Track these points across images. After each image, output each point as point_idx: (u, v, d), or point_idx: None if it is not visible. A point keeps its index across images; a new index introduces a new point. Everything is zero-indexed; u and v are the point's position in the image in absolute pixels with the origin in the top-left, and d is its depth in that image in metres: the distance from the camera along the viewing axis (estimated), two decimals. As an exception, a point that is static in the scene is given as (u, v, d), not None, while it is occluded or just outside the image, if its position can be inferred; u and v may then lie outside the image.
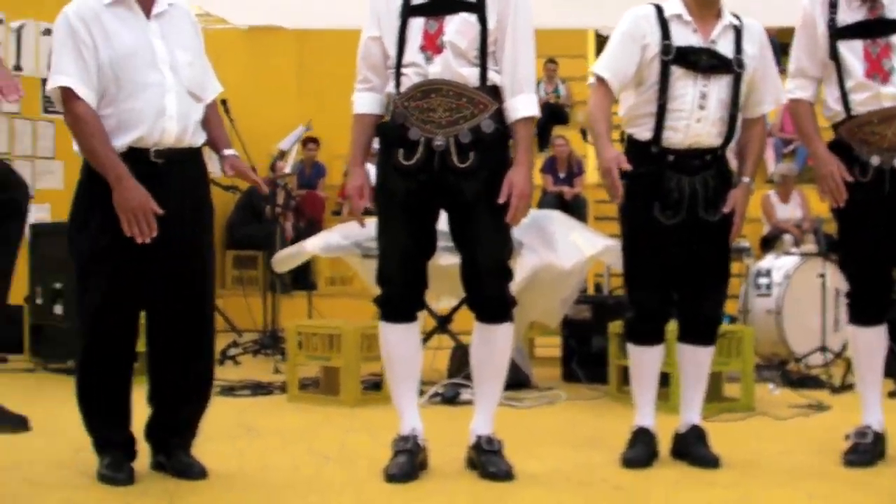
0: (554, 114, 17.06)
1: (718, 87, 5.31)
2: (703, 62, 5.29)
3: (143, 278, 4.88)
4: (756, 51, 5.39)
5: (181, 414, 5.08)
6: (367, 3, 5.11)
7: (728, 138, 5.37)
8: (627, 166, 5.21)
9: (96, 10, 4.84)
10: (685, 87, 5.28)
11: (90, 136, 4.76)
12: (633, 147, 5.40)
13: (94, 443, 5.01)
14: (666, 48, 5.28)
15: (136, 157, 4.80)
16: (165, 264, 4.88)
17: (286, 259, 8.80)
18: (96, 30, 4.80)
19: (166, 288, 4.94)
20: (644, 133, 5.35)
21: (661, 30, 5.30)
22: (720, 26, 5.34)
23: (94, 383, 4.96)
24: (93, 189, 4.80)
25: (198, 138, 5.00)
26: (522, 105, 4.98)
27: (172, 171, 4.87)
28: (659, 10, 5.37)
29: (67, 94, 4.77)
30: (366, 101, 5.15)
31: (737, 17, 5.41)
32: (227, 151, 5.12)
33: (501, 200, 4.89)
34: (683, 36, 5.31)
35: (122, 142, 4.79)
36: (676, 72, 5.28)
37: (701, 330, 5.50)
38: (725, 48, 5.33)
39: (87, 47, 4.78)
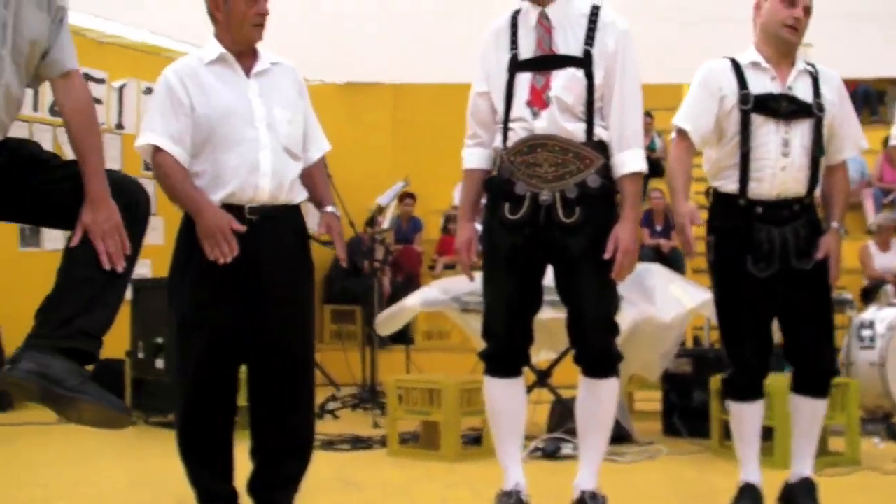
0: (650, 167, 16.95)
1: (801, 133, 5.28)
2: (783, 108, 5.27)
3: (242, 332, 4.90)
4: (834, 96, 5.37)
5: (283, 469, 5.08)
6: (477, 60, 5.12)
7: (812, 185, 5.32)
8: (700, 222, 5.20)
9: (196, 69, 4.92)
10: (767, 134, 5.25)
11: (170, 178, 4.83)
12: (721, 200, 5.39)
13: (197, 496, 5.02)
14: (744, 97, 5.26)
15: (231, 213, 4.82)
16: (264, 319, 4.89)
17: (388, 320, 8.77)
18: (194, 88, 4.87)
19: (265, 343, 4.94)
20: (730, 185, 5.33)
21: (738, 80, 5.29)
22: (795, 72, 5.33)
23: (195, 437, 4.98)
24: (191, 243, 4.84)
25: (295, 195, 5.00)
26: (630, 160, 4.96)
27: (268, 227, 4.88)
28: (734, 61, 5.36)
29: (154, 149, 4.85)
30: (475, 157, 5.16)
31: (811, 64, 5.39)
32: (328, 209, 5.12)
33: (607, 256, 4.85)
34: (761, 83, 5.29)
35: (215, 197, 4.83)
36: (757, 119, 5.26)
37: (817, 381, 5.43)
38: (803, 93, 5.31)
39: (182, 105, 4.85)
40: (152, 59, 12.28)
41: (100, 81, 11.97)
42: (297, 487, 5.10)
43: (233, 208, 4.83)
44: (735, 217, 5.30)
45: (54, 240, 11.11)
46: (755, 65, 5.33)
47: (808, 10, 5.31)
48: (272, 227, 4.89)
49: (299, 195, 5.03)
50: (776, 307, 5.33)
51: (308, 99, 5.19)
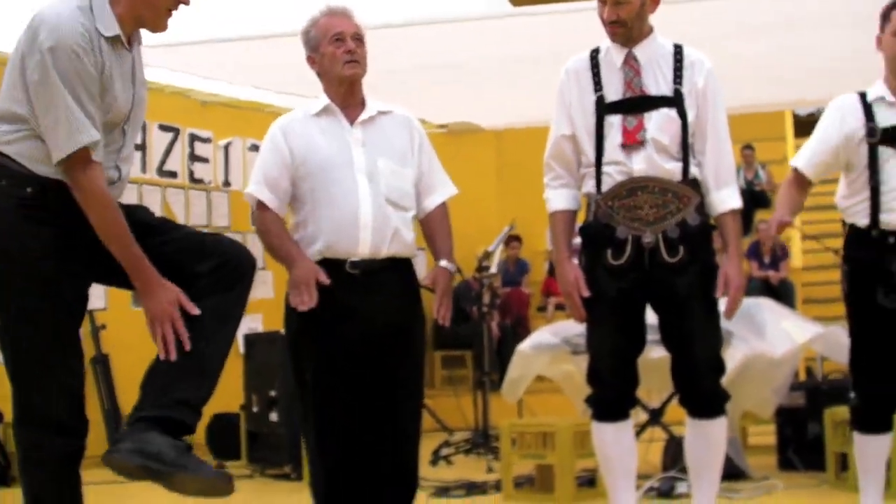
0: (755, 198, 16.90)
1: None
2: None
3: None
4: None
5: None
6: (555, 102, 5.10)
7: None
8: (789, 219, 5.32)
9: (300, 121, 4.98)
10: None
11: (269, 234, 4.90)
12: (854, 231, 5.38)
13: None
14: (871, 130, 5.25)
15: (331, 267, 4.82)
16: (374, 377, 4.91)
17: (512, 385, 8.74)
18: (296, 140, 4.92)
19: (374, 400, 4.92)
20: (862, 220, 5.31)
21: (865, 114, 5.26)
22: None
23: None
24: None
25: (401, 249, 4.94)
26: (728, 198, 4.97)
27: (371, 283, 4.85)
28: (862, 95, 5.34)
29: (257, 203, 4.93)
30: (562, 197, 5.12)
31: None
32: (441, 262, 5.06)
33: (718, 295, 4.85)
34: (890, 116, 5.27)
35: (314, 249, 4.85)
36: (885, 153, 5.24)
37: None
38: None
39: (282, 154, 4.90)
40: (256, 115, 12.46)
41: (206, 141, 12.16)
42: None
43: (333, 263, 4.83)
44: (867, 248, 5.31)
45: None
46: (881, 99, 5.32)
47: None
48: (376, 283, 4.86)
49: (407, 249, 4.99)
50: None
51: (428, 146, 5.21)
